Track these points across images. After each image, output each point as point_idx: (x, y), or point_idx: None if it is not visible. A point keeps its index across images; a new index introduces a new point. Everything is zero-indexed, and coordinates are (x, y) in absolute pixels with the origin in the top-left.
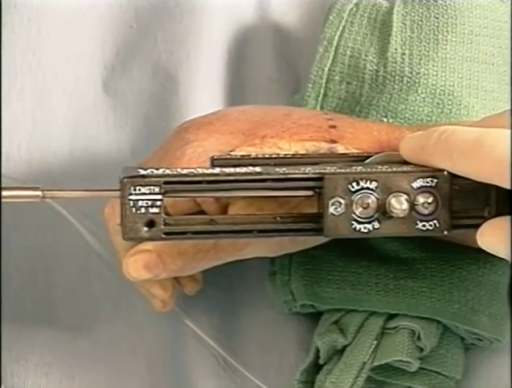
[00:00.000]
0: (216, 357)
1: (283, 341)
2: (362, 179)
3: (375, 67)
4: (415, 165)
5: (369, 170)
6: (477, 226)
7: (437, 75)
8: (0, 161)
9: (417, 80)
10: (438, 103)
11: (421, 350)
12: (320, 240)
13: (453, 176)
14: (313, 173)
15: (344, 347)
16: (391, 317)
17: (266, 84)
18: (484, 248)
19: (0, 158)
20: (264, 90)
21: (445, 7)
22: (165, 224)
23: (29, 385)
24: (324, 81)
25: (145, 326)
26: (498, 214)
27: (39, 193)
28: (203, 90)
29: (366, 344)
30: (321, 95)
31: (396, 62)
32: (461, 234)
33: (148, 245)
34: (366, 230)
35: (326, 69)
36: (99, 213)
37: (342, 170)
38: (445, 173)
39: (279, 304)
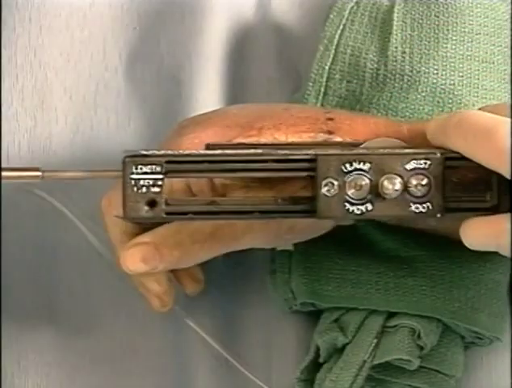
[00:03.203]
0: (217, 356)
1: (283, 339)
2: (355, 160)
3: (375, 65)
4: (409, 148)
5: (362, 151)
6: (471, 210)
7: (437, 74)
8: (0, 160)
9: (417, 78)
10: (438, 102)
11: (422, 348)
12: (318, 232)
13: (446, 159)
14: (306, 154)
15: (344, 346)
16: (391, 315)
17: (267, 83)
18: (468, 246)
19: (0, 157)
20: (265, 89)
21: (445, 6)
22: (167, 204)
23: (29, 385)
24: (324, 79)
25: (146, 326)
26: (499, 201)
27: (38, 174)
28: (206, 91)
29: (366, 343)
30: (322, 94)
31: (396, 61)
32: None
33: (145, 237)
34: (359, 212)
35: (327, 67)
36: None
37: (336, 152)
38: (438, 155)
39: (279, 302)
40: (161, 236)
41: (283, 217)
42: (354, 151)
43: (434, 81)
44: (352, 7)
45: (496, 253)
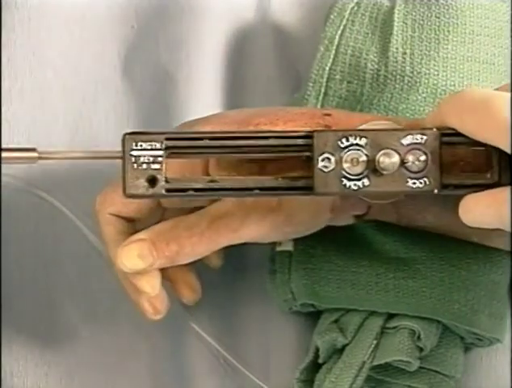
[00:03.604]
0: (216, 356)
1: (283, 340)
2: (351, 135)
3: (376, 66)
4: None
5: (358, 128)
6: (471, 187)
7: (438, 75)
8: (0, 159)
9: (418, 79)
10: (438, 103)
11: (421, 350)
12: (316, 225)
13: (443, 135)
14: (303, 131)
15: (344, 347)
16: (391, 316)
17: (267, 83)
18: (467, 223)
19: (0, 157)
20: (265, 90)
21: (446, 7)
22: (167, 181)
23: (29, 384)
24: (325, 80)
25: (146, 326)
26: (500, 177)
27: (35, 154)
28: (204, 90)
29: (365, 344)
30: (322, 94)
31: (397, 61)
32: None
33: (142, 234)
34: (356, 188)
35: (327, 68)
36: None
37: (332, 128)
38: (434, 130)
39: (279, 303)
40: (157, 232)
41: (283, 194)
42: (351, 128)
43: (435, 82)
44: (353, 8)
45: (496, 253)
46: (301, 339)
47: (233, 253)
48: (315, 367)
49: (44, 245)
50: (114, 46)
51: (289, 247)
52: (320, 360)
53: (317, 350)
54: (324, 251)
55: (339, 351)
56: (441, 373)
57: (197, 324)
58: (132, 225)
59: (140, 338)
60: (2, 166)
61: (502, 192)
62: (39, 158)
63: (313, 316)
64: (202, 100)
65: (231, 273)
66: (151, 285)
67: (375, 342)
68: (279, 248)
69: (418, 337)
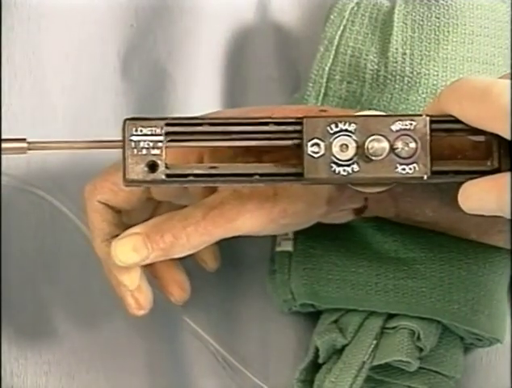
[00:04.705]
0: (215, 356)
1: (282, 340)
2: (341, 121)
3: (375, 67)
4: None
5: (348, 115)
6: (465, 173)
7: (438, 75)
8: (0, 159)
9: (417, 80)
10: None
11: (421, 350)
12: (311, 218)
13: (433, 121)
14: (294, 117)
15: (343, 347)
16: (390, 317)
17: (267, 83)
18: (467, 210)
19: (0, 157)
20: (264, 90)
21: (446, 7)
22: (167, 167)
23: (29, 384)
24: (324, 80)
25: (145, 325)
26: (500, 163)
27: (24, 145)
28: (203, 90)
29: (365, 344)
30: (322, 95)
31: (396, 62)
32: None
33: (136, 228)
34: (345, 173)
35: (327, 68)
36: None
37: (322, 114)
38: (423, 116)
39: (278, 303)
40: (152, 225)
41: (278, 180)
42: (340, 114)
43: (435, 82)
44: (353, 8)
45: (496, 253)
46: (301, 339)
47: (233, 253)
48: (315, 367)
49: (44, 245)
50: (114, 46)
51: (289, 248)
52: (319, 361)
53: (317, 350)
54: (324, 251)
55: (339, 351)
56: (441, 373)
57: (196, 324)
58: (120, 217)
59: (140, 337)
60: (2, 166)
61: (503, 178)
62: (29, 148)
63: (313, 316)
64: (201, 100)
65: (231, 273)
66: (130, 279)
67: (374, 342)
68: (278, 248)
69: (418, 337)
